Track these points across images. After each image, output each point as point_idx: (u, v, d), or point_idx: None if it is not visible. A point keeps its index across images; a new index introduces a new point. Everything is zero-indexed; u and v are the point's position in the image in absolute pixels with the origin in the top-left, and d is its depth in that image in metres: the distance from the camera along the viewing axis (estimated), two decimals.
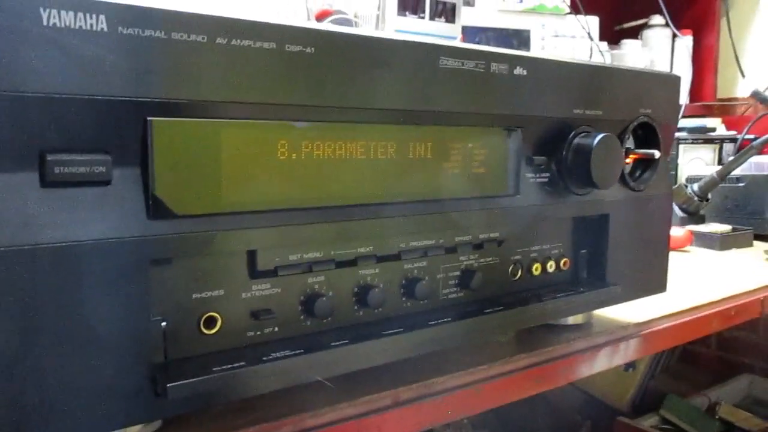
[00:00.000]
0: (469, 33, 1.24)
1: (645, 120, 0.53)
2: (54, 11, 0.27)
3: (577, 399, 1.35)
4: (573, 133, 0.48)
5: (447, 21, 1.00)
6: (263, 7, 0.95)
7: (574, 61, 0.49)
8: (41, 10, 0.27)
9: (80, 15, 0.27)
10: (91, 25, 0.28)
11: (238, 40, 0.32)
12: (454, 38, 1.00)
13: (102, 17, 0.28)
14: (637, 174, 0.55)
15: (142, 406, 0.32)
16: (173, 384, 0.31)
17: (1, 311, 0.27)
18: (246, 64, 0.32)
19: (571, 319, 0.57)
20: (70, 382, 0.29)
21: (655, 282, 0.58)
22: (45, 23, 0.27)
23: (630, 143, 0.54)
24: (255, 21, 0.32)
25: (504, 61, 0.43)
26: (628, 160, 0.53)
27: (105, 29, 0.28)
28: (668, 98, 0.56)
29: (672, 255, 0.61)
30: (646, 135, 0.54)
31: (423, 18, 0.97)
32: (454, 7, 1.00)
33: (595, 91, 0.50)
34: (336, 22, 0.92)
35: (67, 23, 0.27)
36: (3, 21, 0.26)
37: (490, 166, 0.44)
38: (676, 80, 0.57)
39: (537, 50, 1.31)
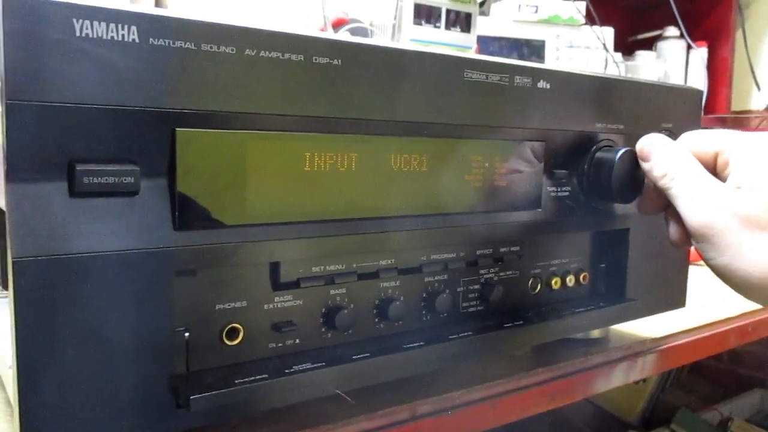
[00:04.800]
0: (483, 42, 1.23)
1: (666, 134, 0.53)
2: (87, 22, 0.27)
3: (586, 411, 1.34)
4: (595, 146, 0.48)
5: (462, 31, 0.99)
6: (279, 14, 0.95)
7: (597, 75, 0.48)
8: (74, 20, 0.27)
9: (112, 26, 0.27)
10: (123, 36, 0.28)
11: (267, 52, 0.32)
12: (470, 48, 1.00)
13: (133, 28, 0.28)
14: None
15: (163, 418, 0.31)
16: (196, 396, 0.31)
17: (25, 320, 0.27)
18: (274, 75, 0.32)
19: (588, 333, 0.56)
20: (92, 393, 0.29)
21: (674, 297, 0.57)
22: (77, 34, 0.27)
23: None
24: (284, 32, 0.32)
25: (528, 75, 0.43)
26: None
27: (136, 40, 0.28)
28: (690, 112, 0.55)
29: None
30: None
31: (438, 27, 0.97)
32: (469, 16, 1.00)
33: (618, 105, 0.49)
34: (352, 30, 0.92)
35: (99, 34, 0.27)
36: (35, 30, 0.26)
37: (512, 179, 0.44)
38: (697, 95, 0.56)
39: (551, 61, 1.30)
